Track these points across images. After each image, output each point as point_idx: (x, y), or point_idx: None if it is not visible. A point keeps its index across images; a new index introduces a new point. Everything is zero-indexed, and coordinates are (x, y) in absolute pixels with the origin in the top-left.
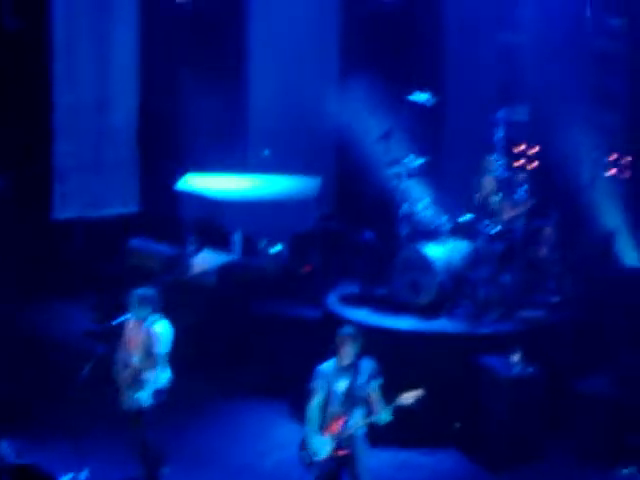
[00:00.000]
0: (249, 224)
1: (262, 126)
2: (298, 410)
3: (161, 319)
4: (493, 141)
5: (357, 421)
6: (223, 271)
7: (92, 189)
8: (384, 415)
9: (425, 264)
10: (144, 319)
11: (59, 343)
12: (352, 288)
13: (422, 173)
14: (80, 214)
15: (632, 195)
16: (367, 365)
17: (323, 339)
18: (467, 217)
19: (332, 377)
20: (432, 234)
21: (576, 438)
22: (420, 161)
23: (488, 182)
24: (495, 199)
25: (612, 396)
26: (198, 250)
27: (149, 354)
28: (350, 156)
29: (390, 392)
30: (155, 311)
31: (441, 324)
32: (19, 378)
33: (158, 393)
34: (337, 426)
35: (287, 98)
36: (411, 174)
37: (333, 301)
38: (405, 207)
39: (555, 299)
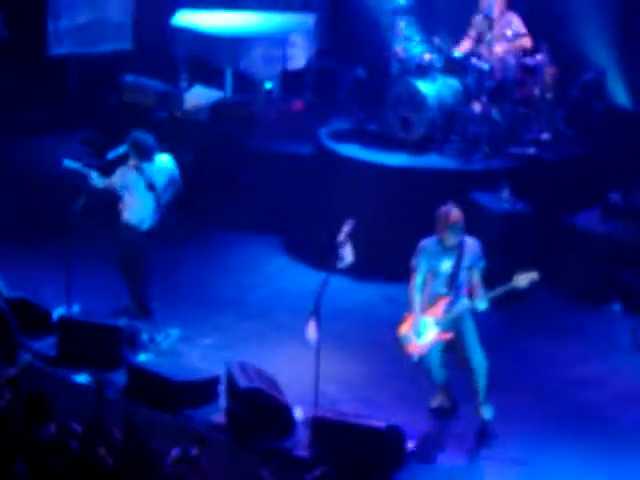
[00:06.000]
0: (241, 61)
1: None
2: (289, 246)
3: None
4: None
5: (461, 303)
6: (216, 107)
7: (85, 25)
8: (483, 303)
9: (416, 100)
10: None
11: (52, 177)
12: (344, 124)
13: (413, 10)
14: (74, 50)
15: (622, 34)
16: (472, 244)
17: (315, 175)
18: (459, 54)
19: (435, 255)
20: (423, 71)
21: (565, 275)
22: None
23: (481, 19)
24: (488, 36)
25: (602, 231)
26: (190, 86)
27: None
28: None
29: (376, 231)
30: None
31: (431, 160)
32: (12, 213)
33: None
34: (441, 308)
35: None
36: (402, 11)
37: (325, 137)
38: (397, 44)
39: (546, 136)
